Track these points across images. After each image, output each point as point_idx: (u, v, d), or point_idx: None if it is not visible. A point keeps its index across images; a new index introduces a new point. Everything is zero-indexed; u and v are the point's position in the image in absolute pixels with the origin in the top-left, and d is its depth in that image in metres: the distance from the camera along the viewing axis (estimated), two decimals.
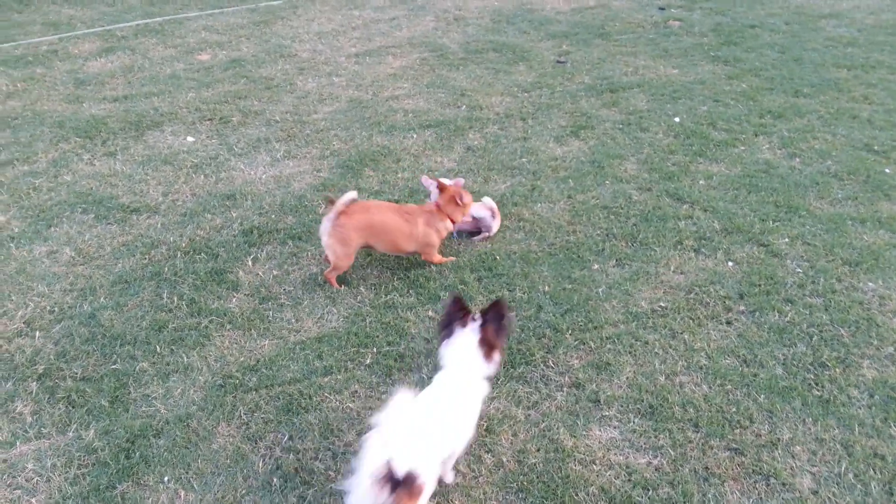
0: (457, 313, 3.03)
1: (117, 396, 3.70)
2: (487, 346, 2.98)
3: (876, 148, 6.18)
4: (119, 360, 3.93)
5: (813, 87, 7.61)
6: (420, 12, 10.74)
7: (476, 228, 4.98)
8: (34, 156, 6.18)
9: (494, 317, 3.00)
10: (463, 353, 2.97)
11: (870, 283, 4.44)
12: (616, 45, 9.13)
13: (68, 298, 4.43)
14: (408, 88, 7.75)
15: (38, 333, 4.14)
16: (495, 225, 4.94)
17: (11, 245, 4.94)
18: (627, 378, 3.77)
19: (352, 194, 4.25)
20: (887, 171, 5.78)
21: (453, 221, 4.60)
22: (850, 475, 3.23)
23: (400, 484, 2.41)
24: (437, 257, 4.65)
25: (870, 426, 3.45)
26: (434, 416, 2.77)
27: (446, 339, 3.02)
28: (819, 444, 3.37)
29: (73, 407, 3.64)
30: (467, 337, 2.98)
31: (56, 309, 4.34)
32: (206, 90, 7.70)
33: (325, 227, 4.31)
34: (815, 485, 3.19)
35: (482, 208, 4.88)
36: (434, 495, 3.04)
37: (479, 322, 3.00)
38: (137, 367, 3.88)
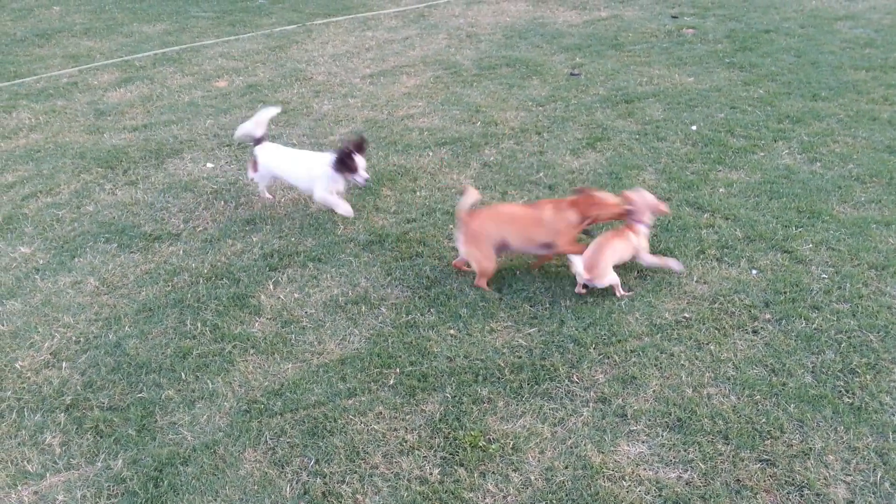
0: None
1: (144, 425, 3.72)
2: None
3: None
4: (145, 388, 3.96)
5: (831, 90, 7.54)
6: (433, 31, 10.80)
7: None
8: (57, 187, 6.28)
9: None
10: None
11: None
12: (630, 55, 9.12)
13: (93, 328, 4.47)
14: (422, 107, 7.78)
15: (64, 364, 4.18)
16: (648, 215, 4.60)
17: (37, 277, 5.01)
18: (654, 391, 3.73)
19: (472, 194, 4.49)
20: None
21: (584, 215, 4.50)
22: (887, 483, 3.16)
23: None
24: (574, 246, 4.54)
25: None
26: None
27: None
28: (852, 453, 3.31)
29: (100, 437, 3.67)
30: None
31: (82, 339, 4.38)
32: (224, 116, 7.79)
33: (457, 235, 4.58)
34: (850, 494, 3.12)
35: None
36: None
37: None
38: (163, 395, 3.90)
